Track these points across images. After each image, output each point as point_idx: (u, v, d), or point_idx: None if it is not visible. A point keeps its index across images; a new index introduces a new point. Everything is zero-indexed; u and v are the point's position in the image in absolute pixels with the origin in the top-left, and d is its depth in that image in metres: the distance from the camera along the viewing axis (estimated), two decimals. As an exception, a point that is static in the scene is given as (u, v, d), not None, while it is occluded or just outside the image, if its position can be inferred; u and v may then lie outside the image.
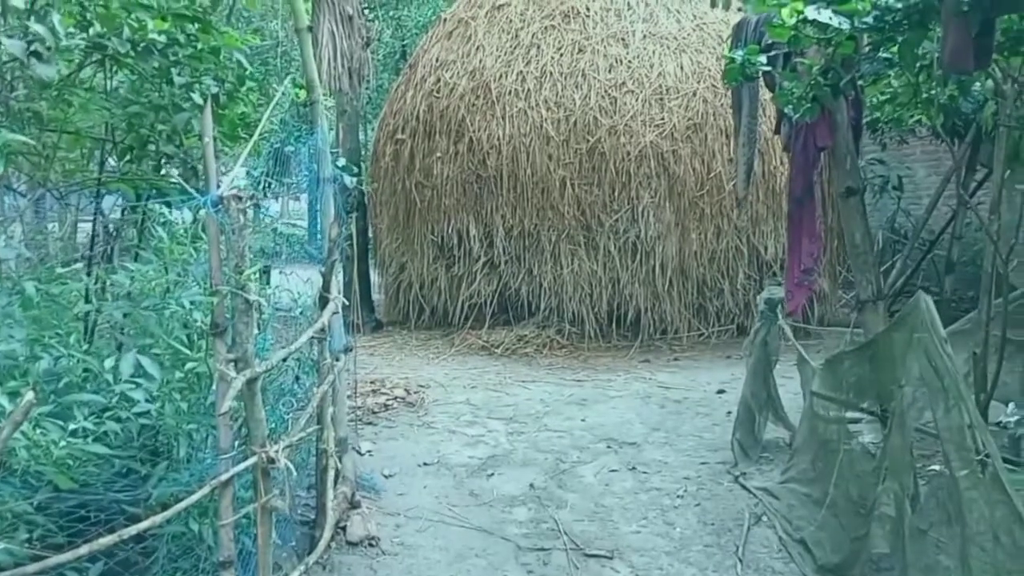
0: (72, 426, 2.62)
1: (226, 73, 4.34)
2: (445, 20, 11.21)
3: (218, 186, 2.90)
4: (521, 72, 9.88)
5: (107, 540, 2.09)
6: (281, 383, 3.88)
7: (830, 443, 4.15)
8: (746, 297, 9.48)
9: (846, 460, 3.89)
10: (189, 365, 3.12)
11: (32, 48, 3.07)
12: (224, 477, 2.59)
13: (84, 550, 2.02)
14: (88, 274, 3.77)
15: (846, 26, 3.16)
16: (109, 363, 2.90)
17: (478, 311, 10.05)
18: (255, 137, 3.84)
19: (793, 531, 4.24)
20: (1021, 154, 4.51)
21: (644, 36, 9.91)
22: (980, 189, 7.42)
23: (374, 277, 12.25)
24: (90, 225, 4.30)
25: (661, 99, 9.49)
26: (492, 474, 5.33)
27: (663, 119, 9.40)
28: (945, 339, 3.12)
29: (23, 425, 2.04)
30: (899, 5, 3.12)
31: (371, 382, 7.55)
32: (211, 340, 2.92)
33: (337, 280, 4.35)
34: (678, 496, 4.88)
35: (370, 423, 6.45)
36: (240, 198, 2.70)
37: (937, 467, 3.66)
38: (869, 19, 3.16)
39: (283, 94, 4.71)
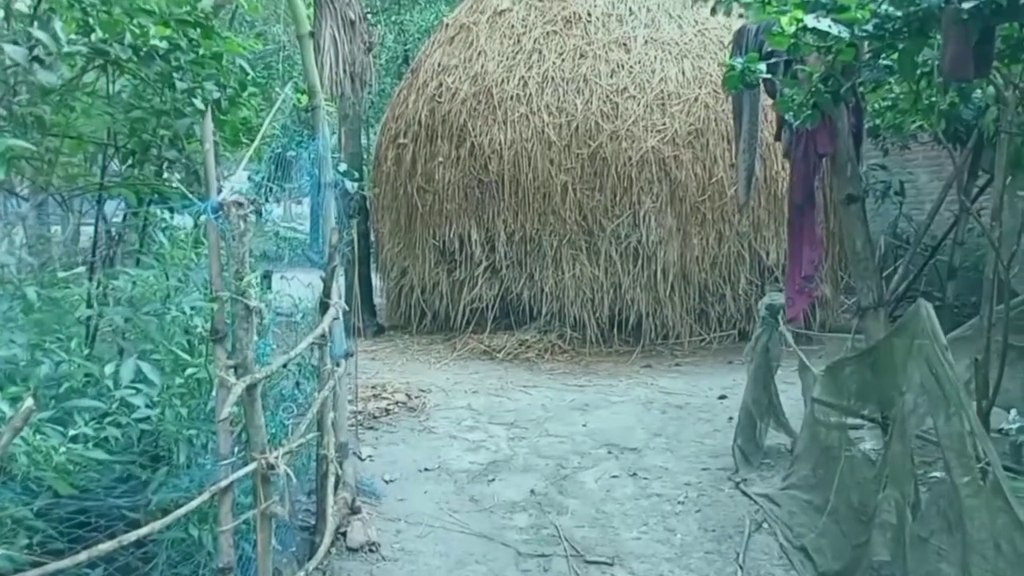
0: (72, 432, 2.62)
1: (228, 78, 4.35)
2: (447, 25, 11.23)
3: (219, 192, 2.90)
4: (523, 77, 9.90)
5: (106, 546, 2.09)
6: (282, 389, 3.88)
7: (831, 450, 4.14)
8: (748, 302, 9.49)
9: (847, 467, 3.89)
10: (189, 371, 3.12)
11: (34, 54, 3.08)
12: (224, 483, 2.59)
13: (83, 556, 2.02)
14: (90, 279, 3.77)
15: (845, 34, 3.16)
16: (109, 369, 2.90)
17: (480, 316, 10.06)
18: (256, 142, 3.84)
19: (794, 538, 4.23)
20: (1022, 160, 4.51)
21: (646, 42, 9.93)
22: (982, 195, 7.41)
23: (376, 281, 12.27)
24: (92, 230, 4.31)
25: (663, 104, 9.51)
26: (493, 480, 5.33)
27: (665, 124, 9.42)
28: (946, 346, 3.11)
29: (24, 431, 2.04)
30: (899, 13, 3.12)
31: (372, 387, 7.55)
32: (211, 346, 2.92)
33: (338, 285, 4.35)
34: (679, 502, 4.87)
35: (371, 428, 6.46)
36: (241, 204, 2.70)
37: (938, 474, 3.66)
38: (869, 27, 3.16)
39: (284, 100, 4.71)
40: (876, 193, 10.05)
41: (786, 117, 4.05)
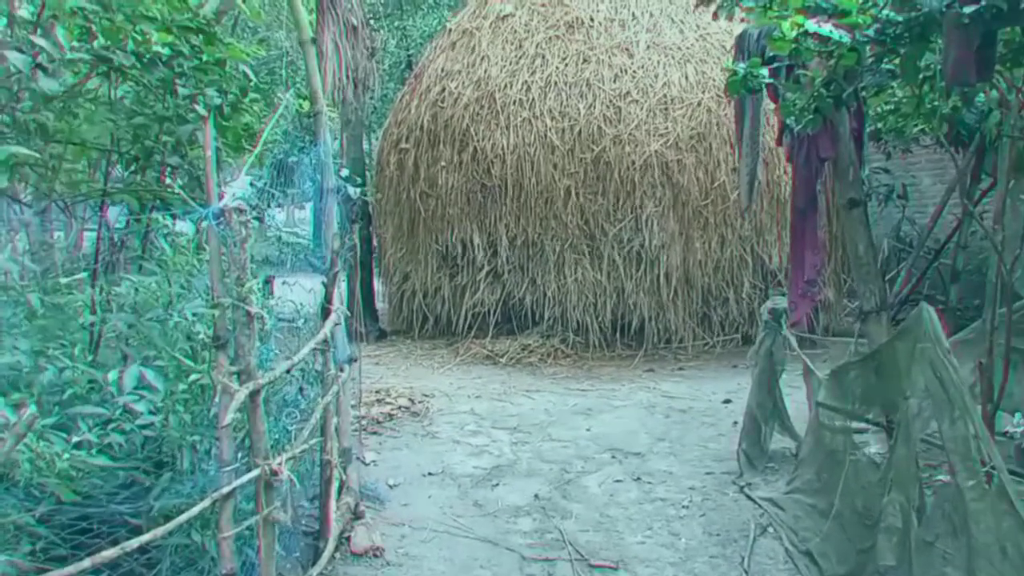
0: (76, 438, 2.62)
1: (231, 84, 4.37)
2: (450, 31, 11.25)
3: (220, 198, 2.91)
4: (526, 82, 9.91)
5: (110, 553, 2.09)
6: (285, 394, 3.88)
7: (836, 454, 4.13)
8: (751, 306, 9.48)
9: (852, 471, 3.88)
10: (192, 377, 3.12)
11: (36, 61, 3.09)
12: (226, 489, 2.59)
13: (87, 563, 2.02)
14: (92, 285, 3.78)
15: (847, 39, 3.16)
16: (113, 375, 2.91)
17: (482, 320, 10.06)
18: (258, 148, 3.85)
19: (799, 542, 4.22)
20: (1026, 164, 4.50)
21: (648, 46, 9.94)
22: (984, 198, 7.41)
23: (378, 286, 12.28)
24: (94, 236, 4.32)
25: (666, 109, 9.51)
26: (497, 484, 5.32)
27: (667, 129, 9.42)
28: (949, 349, 3.11)
29: (27, 437, 2.05)
30: (900, 18, 3.12)
31: (375, 392, 7.56)
32: (213, 352, 2.92)
33: (340, 290, 4.36)
34: (683, 507, 4.86)
35: (375, 433, 6.45)
36: (242, 210, 2.71)
37: (944, 478, 3.65)
38: (870, 32, 3.16)
39: (285, 106, 4.72)
40: (879, 197, 10.06)
41: (788, 121, 4.05)
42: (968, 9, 2.82)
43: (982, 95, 4.55)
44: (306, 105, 5.23)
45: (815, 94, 3.55)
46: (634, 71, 9.73)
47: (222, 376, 2.72)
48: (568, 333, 9.68)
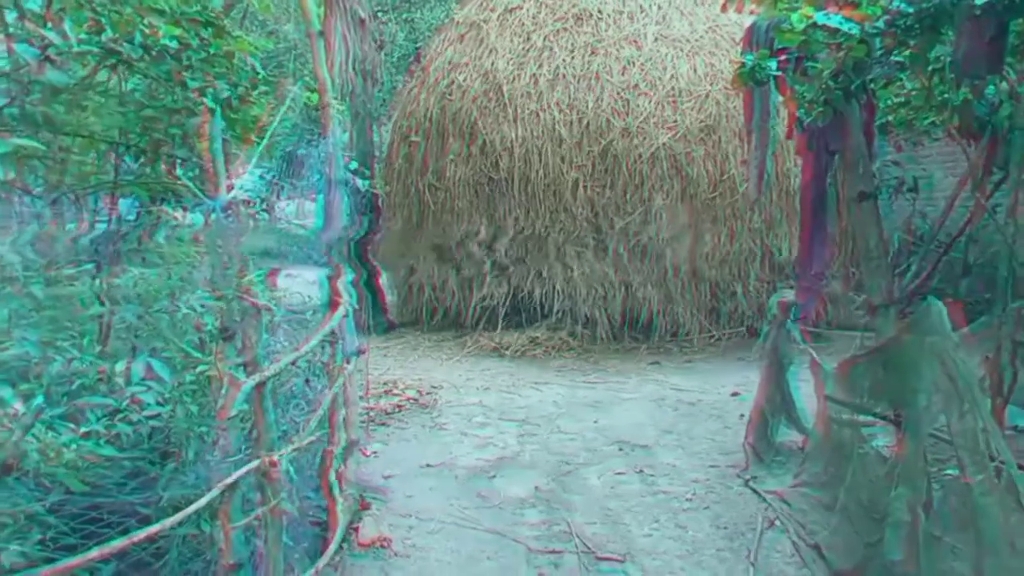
0: (84, 428, 2.63)
1: (240, 76, 4.37)
2: (458, 23, 11.22)
3: (228, 190, 2.91)
4: (534, 74, 9.89)
5: (119, 544, 2.10)
6: (291, 386, 3.89)
7: (844, 447, 4.12)
8: (760, 299, 9.45)
9: (860, 465, 3.87)
10: (200, 368, 3.13)
11: (44, 54, 3.09)
12: (229, 480, 2.60)
13: (95, 553, 2.03)
14: (95, 277, 3.79)
15: (856, 31, 3.14)
16: (120, 366, 2.92)
17: (490, 313, 10.06)
18: (265, 140, 3.86)
19: (806, 536, 4.21)
20: (1037, 156, 4.46)
21: (657, 38, 9.90)
22: (997, 191, 7.35)
23: (386, 278, 12.29)
24: (103, 227, 4.33)
25: (674, 101, 9.47)
26: (504, 477, 5.33)
27: (676, 121, 9.39)
28: (958, 344, 3.10)
29: (36, 428, 2.06)
30: (911, 9, 3.10)
31: (383, 383, 7.57)
32: (220, 343, 2.93)
33: (346, 282, 4.36)
34: (690, 500, 4.86)
35: (383, 424, 6.47)
36: (249, 203, 2.71)
37: (952, 473, 3.63)
38: (880, 23, 3.14)
39: (292, 98, 4.73)
40: (890, 190, 9.99)
41: (799, 113, 4.03)
42: (980, 0, 2.80)
43: (993, 87, 4.52)
44: (315, 98, 5.22)
45: (824, 86, 3.53)
46: (642, 63, 9.69)
47: (227, 367, 2.72)
48: (576, 326, 9.67)
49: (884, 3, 3.16)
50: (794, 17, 3.11)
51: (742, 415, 6.19)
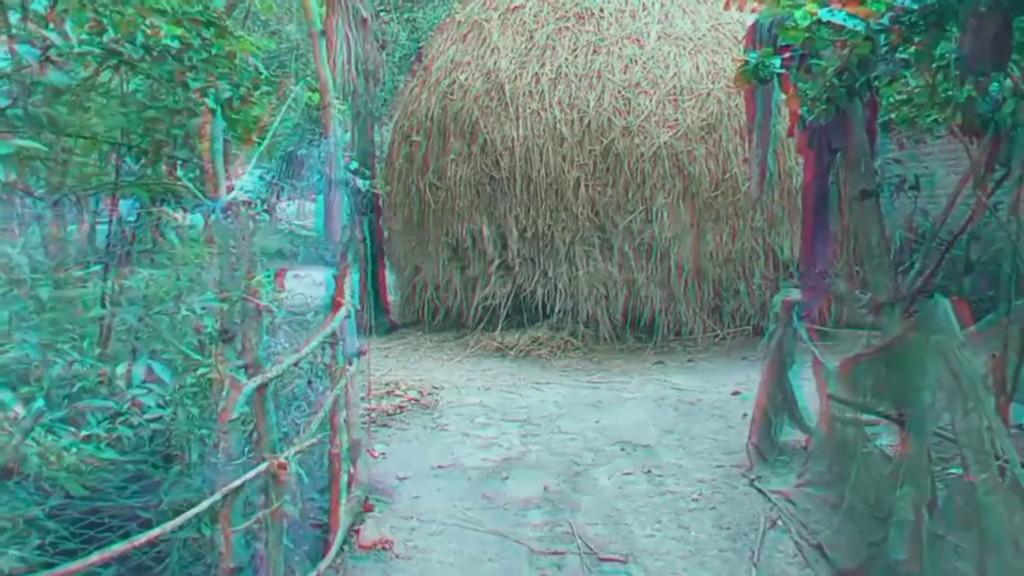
0: (84, 432, 2.62)
1: (242, 77, 4.36)
2: (460, 22, 11.19)
3: (228, 191, 2.90)
4: (535, 73, 9.87)
5: (119, 548, 2.09)
6: (293, 388, 3.88)
7: (847, 447, 4.11)
8: (762, 298, 9.43)
9: (864, 464, 3.85)
10: (201, 370, 3.12)
11: (46, 55, 3.08)
12: (235, 484, 2.59)
13: (96, 558, 2.02)
14: (104, 279, 3.79)
15: (861, 28, 3.12)
16: (120, 369, 2.90)
17: (492, 313, 10.05)
18: (266, 140, 3.84)
19: (809, 536, 4.20)
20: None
21: (659, 37, 9.87)
22: (999, 188, 7.33)
23: (388, 279, 12.28)
24: (106, 229, 4.33)
25: (676, 99, 9.45)
26: (506, 477, 5.32)
27: (678, 120, 9.37)
28: (963, 342, 3.08)
29: (36, 431, 2.05)
30: (915, 6, 3.08)
31: (385, 384, 7.56)
32: (220, 346, 2.92)
33: (350, 283, 4.35)
34: (693, 500, 4.84)
35: (384, 425, 6.46)
36: (250, 203, 2.70)
37: (956, 471, 3.62)
38: (885, 20, 3.12)
39: (294, 98, 4.71)
40: (892, 188, 9.96)
41: (801, 111, 4.01)
42: (984, -3, 2.79)
43: (997, 84, 4.50)
44: (316, 97, 5.21)
45: (828, 84, 3.51)
46: (644, 62, 9.67)
47: (228, 370, 2.71)
48: (578, 325, 9.66)
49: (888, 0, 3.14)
50: (798, 14, 3.09)
51: (745, 414, 6.17)
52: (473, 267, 10.18)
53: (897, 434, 3.95)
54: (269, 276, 3.55)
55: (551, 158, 9.57)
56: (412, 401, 7.18)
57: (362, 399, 5.36)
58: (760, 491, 4.88)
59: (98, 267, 3.96)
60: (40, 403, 2.06)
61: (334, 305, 4.08)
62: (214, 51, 4.06)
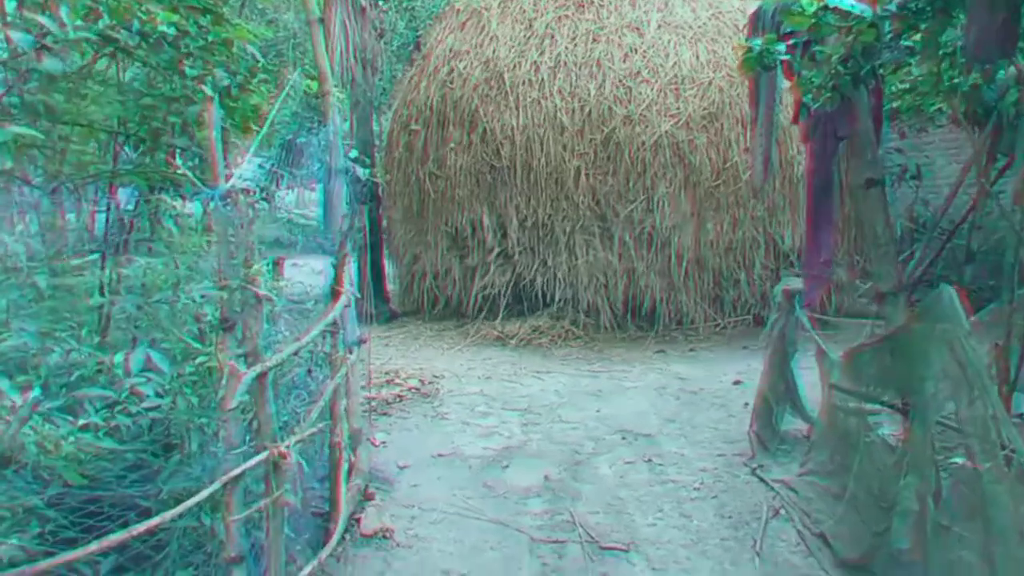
0: (82, 421, 2.60)
1: (239, 65, 4.32)
2: (458, 11, 11.13)
3: (226, 179, 2.87)
4: (535, 62, 9.82)
5: (118, 537, 2.08)
6: (293, 376, 3.86)
7: (849, 436, 4.09)
8: (763, 287, 9.41)
9: (866, 453, 3.84)
10: (200, 359, 3.09)
11: (41, 42, 3.05)
12: (235, 473, 2.57)
13: (95, 547, 2.00)
14: (102, 267, 3.76)
15: (868, 14, 3.09)
16: (119, 357, 2.88)
17: (492, 302, 10.03)
18: (264, 129, 3.81)
19: (812, 525, 4.19)
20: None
21: (659, 25, 9.83)
22: (1002, 178, 7.30)
23: (388, 268, 12.26)
24: (104, 217, 4.30)
25: (677, 88, 9.41)
26: (507, 466, 5.31)
27: (679, 108, 9.33)
28: (969, 331, 3.06)
29: (33, 419, 2.03)
30: (922, -9, 3.05)
31: (385, 373, 7.55)
32: (220, 334, 2.90)
33: (349, 272, 4.32)
34: (695, 488, 4.83)
35: (384, 414, 6.45)
36: (248, 191, 2.67)
37: (958, 460, 3.60)
38: (892, 6, 3.09)
39: (292, 86, 4.68)
40: (893, 177, 9.94)
41: (805, 99, 3.97)
42: (992, -18, 2.75)
43: (1002, 72, 4.47)
44: (315, 86, 5.17)
45: (833, 71, 3.48)
46: (645, 50, 9.63)
47: (229, 358, 2.69)
48: (579, 315, 9.64)
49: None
50: (804, 0, 3.06)
51: (746, 403, 6.16)
52: (472, 256, 10.15)
53: (899, 423, 3.94)
54: (268, 264, 3.53)
55: (551, 147, 9.53)
56: (412, 390, 7.17)
57: (362, 388, 5.35)
58: (762, 480, 4.87)
59: (96, 255, 3.94)
60: (37, 392, 2.03)
61: (334, 294, 4.05)
62: (211, 39, 4.03)
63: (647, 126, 9.29)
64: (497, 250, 9.96)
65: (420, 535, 4.30)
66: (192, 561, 2.93)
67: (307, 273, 5.35)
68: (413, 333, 10.15)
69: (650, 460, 5.33)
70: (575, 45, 9.81)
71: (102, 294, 3.51)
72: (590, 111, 9.44)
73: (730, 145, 9.29)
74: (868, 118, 3.89)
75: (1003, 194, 6.89)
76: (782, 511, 4.44)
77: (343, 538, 4.07)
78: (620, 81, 9.48)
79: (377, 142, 12.76)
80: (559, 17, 10.11)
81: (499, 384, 7.51)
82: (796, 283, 5.31)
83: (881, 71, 4.01)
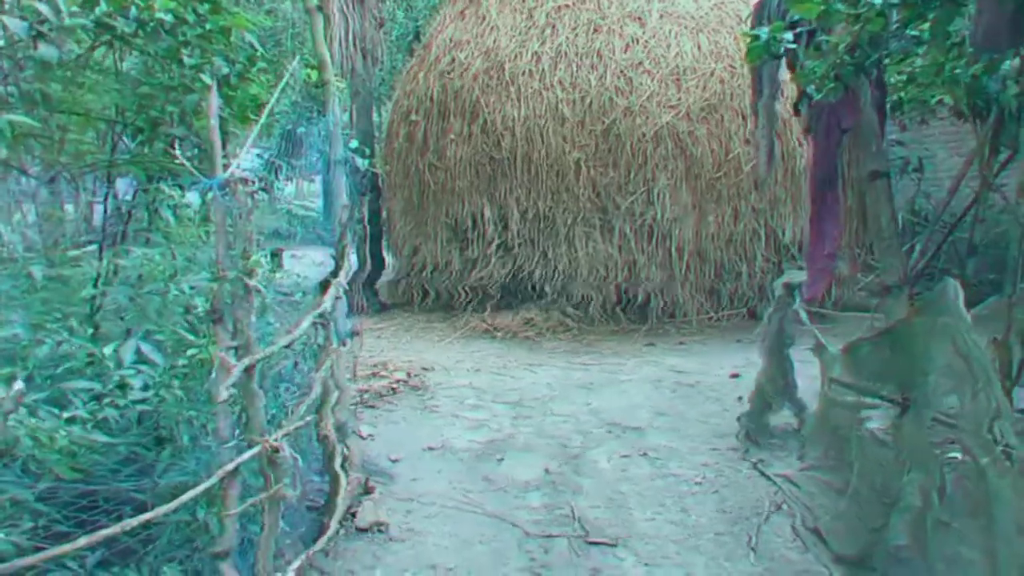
0: (68, 413, 2.56)
1: (237, 54, 4.28)
2: (457, 0, 11.06)
3: (224, 169, 2.84)
4: (536, 52, 9.77)
5: (108, 531, 2.05)
6: (282, 369, 3.82)
7: (842, 430, 4.07)
8: (762, 280, 9.38)
9: (859, 448, 3.81)
10: (191, 351, 3.06)
11: (36, 29, 3.01)
12: (231, 466, 2.54)
13: (83, 542, 1.98)
14: (100, 258, 3.73)
15: (877, 1, 3.04)
16: (109, 349, 2.85)
17: (483, 294, 9.99)
18: (263, 118, 3.78)
19: (813, 520, 4.16)
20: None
21: (661, 16, 9.77)
22: (1003, 170, 7.27)
23: (388, 259, 12.23)
24: (102, 208, 4.27)
25: (678, 79, 9.36)
26: (501, 459, 5.27)
27: (680, 100, 9.28)
28: (972, 325, 3.03)
29: (20, 412, 2.00)
30: (931, -20, 3.01)
31: (374, 365, 7.49)
32: (211, 326, 2.86)
33: (348, 263, 4.29)
34: (696, 483, 4.79)
35: (372, 406, 6.39)
36: (247, 181, 2.64)
37: (957, 455, 3.57)
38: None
39: (291, 75, 4.63)
40: (894, 170, 9.90)
41: (808, 90, 3.93)
42: (1001, -29, 2.71)
43: (1007, 63, 4.42)
44: (314, 75, 5.13)
45: (838, 61, 3.43)
46: (646, 41, 9.57)
47: (220, 350, 2.66)
48: (570, 307, 9.60)
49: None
50: (813, -12, 3.02)
51: (740, 397, 6.13)
52: (472, 248, 10.11)
53: (889, 418, 3.91)
54: (267, 256, 3.50)
55: (552, 138, 9.49)
56: (401, 382, 7.12)
57: (349, 379, 5.31)
58: (764, 474, 4.84)
59: (94, 246, 3.91)
60: (21, 383, 2.00)
61: (325, 285, 4.01)
62: (209, 27, 3.99)
63: (648, 117, 9.24)
64: (497, 242, 9.92)
65: (415, 528, 4.27)
66: (177, 556, 2.89)
67: (307, 265, 5.32)
68: (404, 325, 10.10)
69: (645, 454, 5.28)
70: (576, 35, 9.75)
71: (96, 286, 3.48)
72: (591, 102, 9.39)
73: (731, 137, 9.25)
74: (872, 109, 3.85)
75: (1005, 187, 6.86)
76: (783, 506, 4.41)
77: (337, 532, 4.03)
78: (621, 72, 9.42)
79: (377, 133, 12.71)
80: (560, 7, 10.05)
81: (489, 376, 7.47)
82: (798, 276, 5.28)
83: (887, 61, 3.97)
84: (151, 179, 4.13)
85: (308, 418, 3.36)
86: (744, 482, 4.78)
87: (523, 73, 9.71)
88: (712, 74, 9.36)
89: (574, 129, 9.43)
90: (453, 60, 10.31)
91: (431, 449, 5.44)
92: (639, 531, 4.21)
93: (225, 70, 4.05)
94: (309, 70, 6.12)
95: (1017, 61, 4.34)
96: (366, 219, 10.73)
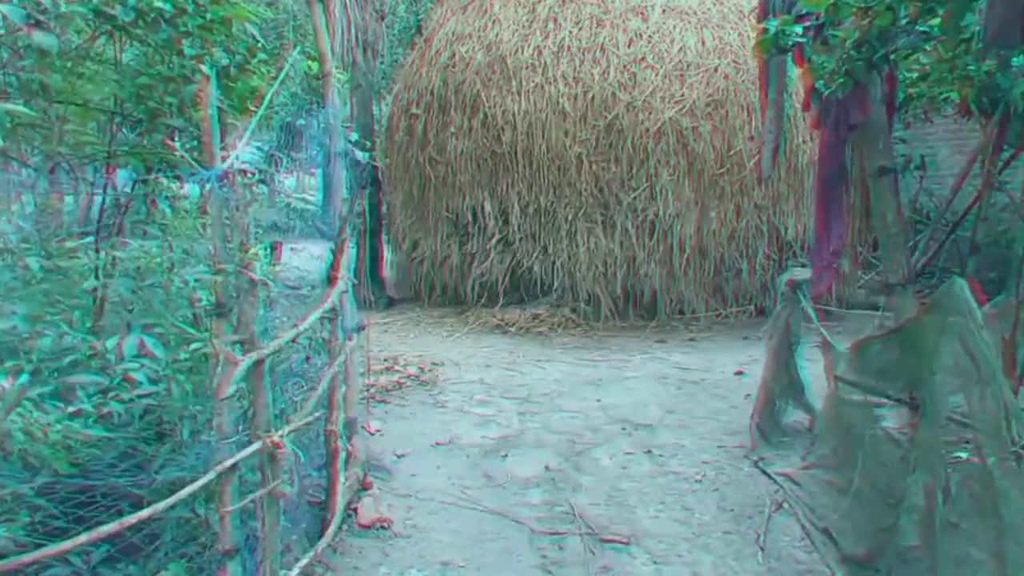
0: (72, 407, 2.52)
1: (237, 45, 4.23)
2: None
3: (222, 160, 2.79)
4: (538, 46, 9.71)
5: (108, 528, 2.01)
6: (290, 364, 3.79)
7: (854, 429, 4.03)
8: (765, 277, 9.35)
9: (871, 447, 3.78)
10: (194, 345, 3.02)
11: (33, 17, 2.96)
12: (228, 463, 2.50)
13: (84, 539, 1.94)
14: (96, 250, 3.69)
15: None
16: (111, 343, 2.81)
17: (492, 289, 9.96)
18: (261, 110, 3.73)
19: (816, 519, 4.13)
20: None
21: (664, 10, 9.71)
22: (1007, 168, 7.22)
23: (387, 253, 12.18)
24: (98, 199, 4.22)
25: (681, 74, 9.31)
26: (506, 455, 5.25)
27: (683, 95, 9.23)
28: (982, 324, 2.99)
29: (21, 407, 1.96)
30: (942, -27, 2.96)
31: (384, 360, 7.49)
32: (215, 320, 2.82)
33: (347, 257, 4.25)
34: (696, 481, 4.77)
35: (382, 401, 6.39)
36: (245, 172, 2.59)
37: (964, 455, 3.54)
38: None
39: (291, 66, 4.57)
40: (898, 167, 9.86)
41: (817, 85, 3.88)
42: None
43: (1018, 59, 4.38)
44: (314, 67, 5.08)
45: (846, 56, 3.39)
46: (649, 35, 9.51)
47: (223, 345, 2.61)
48: (579, 303, 9.58)
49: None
50: (821, -19, 2.97)
51: (747, 394, 6.11)
52: (472, 242, 10.07)
53: (902, 416, 3.88)
54: (265, 248, 3.45)
55: (554, 133, 9.44)
56: (411, 377, 7.11)
57: (360, 375, 5.28)
58: (765, 473, 4.81)
59: (91, 238, 3.86)
60: (24, 377, 1.96)
61: (330, 279, 3.97)
62: (209, 17, 3.93)
63: (651, 113, 9.19)
64: (498, 236, 9.88)
65: (418, 525, 4.25)
66: (186, 552, 2.87)
67: (305, 258, 5.27)
68: (413, 320, 10.09)
69: (651, 451, 5.27)
70: (579, 29, 9.69)
71: (96, 277, 3.43)
72: (593, 97, 9.34)
73: (734, 133, 9.20)
74: (881, 105, 3.80)
75: (1009, 185, 6.82)
76: (785, 505, 4.38)
77: (340, 528, 4.01)
78: (624, 67, 9.37)
79: (377, 126, 12.64)
80: (563, 1, 9.98)
81: (498, 372, 7.45)
82: (802, 273, 5.24)
83: (894, 56, 3.92)
84: (150, 170, 4.09)
85: (317, 414, 3.31)
86: (744, 480, 4.76)
87: (525, 67, 9.65)
88: (716, 70, 9.31)
89: (576, 124, 9.38)
90: (454, 54, 10.26)
91: (438, 445, 5.41)
92: (644, 529, 4.18)
93: (225, 61, 4.00)
94: (309, 62, 6.07)
95: (1018, 59, 4.30)
96: (365, 213, 10.69)
